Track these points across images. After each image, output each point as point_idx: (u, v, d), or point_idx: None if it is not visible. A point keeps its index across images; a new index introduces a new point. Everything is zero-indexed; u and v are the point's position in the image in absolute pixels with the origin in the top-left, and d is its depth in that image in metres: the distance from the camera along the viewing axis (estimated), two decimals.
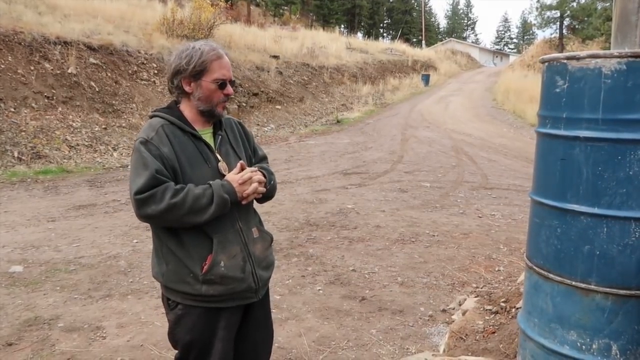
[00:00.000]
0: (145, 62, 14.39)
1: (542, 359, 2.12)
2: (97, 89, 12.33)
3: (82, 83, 12.11)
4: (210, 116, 1.97)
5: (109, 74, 13.04)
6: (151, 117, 1.98)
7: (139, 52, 14.53)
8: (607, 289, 1.89)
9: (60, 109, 11.17)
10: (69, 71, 12.02)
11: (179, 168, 1.87)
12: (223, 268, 1.87)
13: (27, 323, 3.57)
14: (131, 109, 12.66)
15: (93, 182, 8.51)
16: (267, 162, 2.24)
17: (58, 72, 11.82)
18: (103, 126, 11.55)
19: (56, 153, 9.90)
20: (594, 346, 1.94)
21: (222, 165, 1.95)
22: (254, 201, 2.07)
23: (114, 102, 12.46)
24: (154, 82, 13.95)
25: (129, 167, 1.98)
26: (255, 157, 2.20)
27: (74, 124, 11.03)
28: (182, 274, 1.87)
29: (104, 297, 4.08)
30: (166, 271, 1.91)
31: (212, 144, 1.98)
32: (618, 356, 1.92)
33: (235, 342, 2.03)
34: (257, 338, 2.12)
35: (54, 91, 11.37)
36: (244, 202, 1.94)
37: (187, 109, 1.96)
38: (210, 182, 1.87)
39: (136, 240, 5.45)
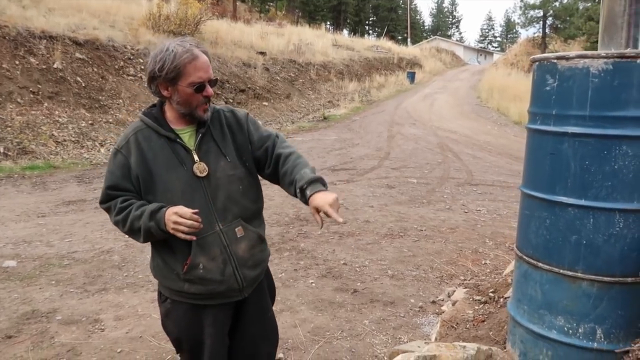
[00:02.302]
0: (131, 57, 14.29)
1: (531, 343, 2.23)
2: (83, 84, 12.24)
3: (68, 78, 12.01)
4: (192, 119, 1.90)
5: (95, 69, 12.95)
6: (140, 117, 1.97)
7: (125, 48, 14.43)
8: (593, 277, 2.01)
9: (46, 104, 11.07)
10: (55, 66, 11.91)
11: (149, 174, 1.84)
12: (202, 270, 1.87)
13: (25, 316, 3.60)
14: (118, 104, 12.59)
15: (81, 177, 8.48)
16: (278, 140, 2.13)
17: (44, 67, 11.71)
18: (90, 122, 11.47)
19: (42, 149, 9.82)
20: (580, 330, 2.07)
21: (198, 167, 1.87)
22: (242, 197, 1.96)
23: (100, 97, 12.38)
24: (141, 77, 13.85)
25: None
26: (252, 145, 2.03)
27: (60, 120, 10.95)
28: (167, 271, 1.92)
29: (99, 290, 4.11)
30: (155, 266, 1.98)
31: (192, 143, 1.90)
32: (602, 339, 2.04)
33: (232, 338, 2.06)
34: (254, 333, 2.11)
35: (40, 86, 11.26)
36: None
37: (169, 110, 1.92)
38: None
39: None
